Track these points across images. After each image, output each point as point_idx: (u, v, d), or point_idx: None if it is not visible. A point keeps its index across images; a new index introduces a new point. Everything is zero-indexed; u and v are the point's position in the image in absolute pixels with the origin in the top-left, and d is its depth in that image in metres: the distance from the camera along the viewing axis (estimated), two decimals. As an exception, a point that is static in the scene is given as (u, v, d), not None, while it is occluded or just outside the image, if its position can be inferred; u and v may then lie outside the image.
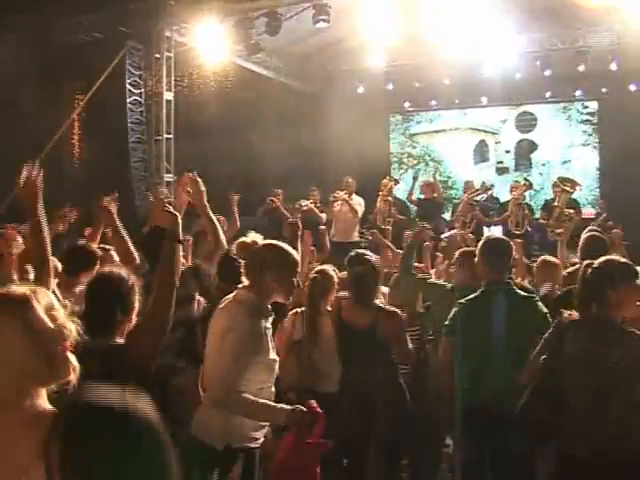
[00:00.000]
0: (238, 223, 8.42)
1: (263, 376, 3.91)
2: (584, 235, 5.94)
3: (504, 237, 5.41)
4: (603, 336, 3.81)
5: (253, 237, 4.41)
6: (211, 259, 5.07)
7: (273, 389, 4.00)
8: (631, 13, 11.12)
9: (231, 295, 4.10)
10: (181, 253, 3.55)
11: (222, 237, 5.16)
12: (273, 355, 4.00)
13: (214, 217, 5.20)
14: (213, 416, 3.87)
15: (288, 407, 3.82)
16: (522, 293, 4.77)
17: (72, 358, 1.99)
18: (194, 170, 5.42)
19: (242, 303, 3.95)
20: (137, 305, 3.46)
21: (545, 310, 4.63)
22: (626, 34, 12.45)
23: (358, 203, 12.45)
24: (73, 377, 1.98)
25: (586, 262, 4.04)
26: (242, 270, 4.07)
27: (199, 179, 5.32)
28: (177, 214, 3.57)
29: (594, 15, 11.85)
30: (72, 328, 2.01)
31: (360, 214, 12.44)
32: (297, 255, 4.18)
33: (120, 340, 3.34)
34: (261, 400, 3.79)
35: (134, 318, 3.44)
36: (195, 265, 5.05)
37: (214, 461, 3.91)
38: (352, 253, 5.43)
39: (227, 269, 4.90)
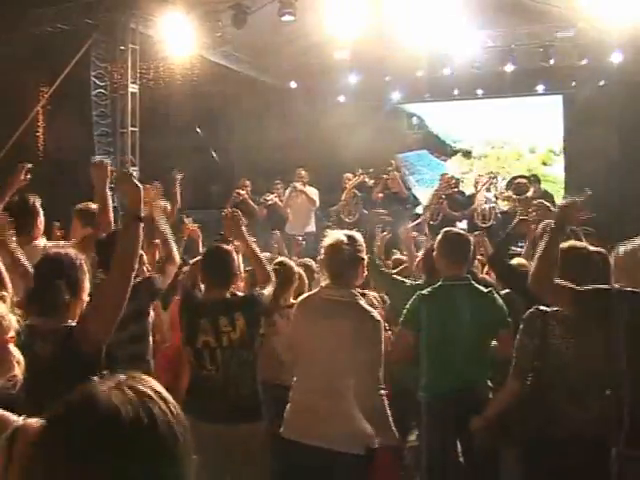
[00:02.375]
0: (179, 201, 8.54)
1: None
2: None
3: (462, 231, 5.41)
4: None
5: (339, 235, 4.29)
6: (163, 272, 4.96)
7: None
8: (592, 12, 11.26)
9: (323, 294, 4.09)
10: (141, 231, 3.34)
11: (175, 250, 5.08)
12: None
13: (169, 231, 5.13)
14: (347, 424, 3.85)
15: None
16: (481, 288, 4.77)
17: (15, 351, 1.96)
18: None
19: (356, 304, 4.00)
20: (87, 285, 3.44)
21: (503, 305, 4.66)
22: (589, 32, 12.59)
23: (314, 193, 12.60)
24: (18, 371, 1.95)
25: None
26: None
27: (158, 192, 5.29)
28: (141, 187, 3.32)
29: (558, 12, 11.98)
30: (12, 320, 1.97)
31: (317, 204, 12.59)
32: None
33: (72, 322, 3.33)
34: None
35: (85, 298, 3.42)
36: (149, 278, 4.91)
37: (356, 467, 3.84)
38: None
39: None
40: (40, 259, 3.64)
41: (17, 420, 1.89)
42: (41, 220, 5.52)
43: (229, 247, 4.87)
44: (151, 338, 4.97)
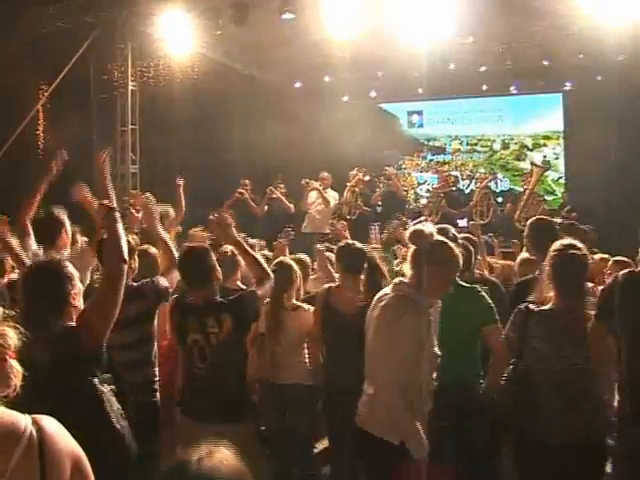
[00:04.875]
0: (183, 206, 8.52)
1: (424, 368, 3.89)
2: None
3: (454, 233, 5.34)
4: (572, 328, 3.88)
5: (431, 228, 4.24)
6: (168, 276, 4.95)
7: (435, 384, 3.99)
8: (591, 10, 11.27)
9: (389, 289, 4.09)
10: (121, 228, 3.52)
11: (175, 254, 5.05)
12: (436, 350, 3.94)
13: (166, 237, 5.13)
14: (387, 412, 3.84)
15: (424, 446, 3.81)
16: (464, 284, 4.72)
17: (15, 364, 2.01)
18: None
19: (403, 297, 3.93)
20: (77, 290, 3.45)
21: (489, 301, 4.65)
22: (589, 30, 12.59)
23: (332, 196, 12.59)
24: (16, 382, 2.01)
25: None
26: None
27: (152, 201, 5.27)
28: (111, 205, 3.58)
29: (557, 9, 11.98)
30: (11, 334, 2.01)
31: (332, 206, 12.55)
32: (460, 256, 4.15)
33: (71, 322, 3.35)
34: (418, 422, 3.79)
35: (78, 303, 3.43)
36: (153, 279, 4.88)
37: (387, 456, 3.84)
38: (342, 244, 5.52)
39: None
40: (25, 274, 3.64)
41: (26, 419, 1.96)
42: (67, 231, 5.54)
43: (203, 245, 4.89)
44: (156, 342, 4.96)
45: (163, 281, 4.81)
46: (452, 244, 4.13)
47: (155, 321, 4.91)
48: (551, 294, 4.02)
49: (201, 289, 4.55)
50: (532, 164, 13.22)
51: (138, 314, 4.62)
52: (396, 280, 4.11)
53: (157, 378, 4.89)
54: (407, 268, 4.05)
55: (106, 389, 3.32)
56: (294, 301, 5.53)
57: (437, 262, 3.92)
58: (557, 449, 3.80)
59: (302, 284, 5.80)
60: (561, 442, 3.80)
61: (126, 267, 3.45)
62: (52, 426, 1.99)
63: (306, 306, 5.53)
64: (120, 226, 3.49)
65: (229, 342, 4.43)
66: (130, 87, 12.71)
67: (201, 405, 4.40)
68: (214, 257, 4.72)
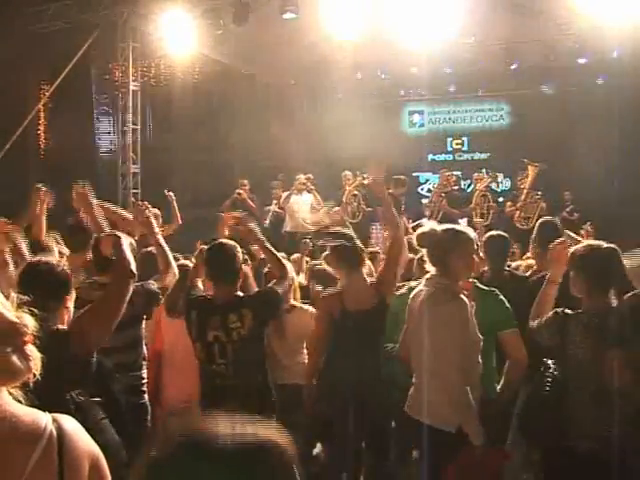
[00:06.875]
0: (179, 219, 8.47)
1: (474, 356, 3.95)
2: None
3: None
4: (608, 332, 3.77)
5: (430, 225, 4.34)
6: (163, 282, 4.88)
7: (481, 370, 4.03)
8: (591, 10, 11.27)
9: (422, 285, 4.13)
10: (127, 245, 3.54)
11: (172, 261, 5.00)
12: (478, 333, 3.99)
13: (164, 243, 5.08)
14: (443, 399, 3.87)
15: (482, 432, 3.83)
16: (484, 287, 4.66)
17: (33, 350, 1.96)
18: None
19: (439, 289, 3.99)
20: (72, 292, 3.47)
21: (507, 305, 4.61)
22: (589, 30, 12.59)
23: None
24: (35, 369, 1.96)
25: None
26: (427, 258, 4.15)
27: (148, 208, 5.28)
28: (118, 235, 3.59)
29: (557, 9, 11.99)
30: (28, 319, 1.97)
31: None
32: (472, 232, 4.24)
33: (62, 326, 3.33)
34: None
35: (70, 305, 3.44)
36: (144, 283, 4.78)
37: (442, 444, 3.84)
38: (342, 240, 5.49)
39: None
40: (24, 267, 3.66)
41: (46, 417, 1.90)
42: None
43: (232, 242, 4.80)
44: (144, 346, 4.96)
45: (153, 286, 4.78)
46: (458, 227, 4.26)
47: (142, 326, 4.91)
48: (581, 295, 3.98)
49: (227, 285, 4.58)
50: (527, 162, 13.13)
51: (126, 318, 4.58)
52: (427, 275, 4.14)
53: (145, 380, 4.90)
54: (429, 267, 4.12)
55: (86, 400, 3.27)
56: (292, 302, 5.52)
57: (454, 248, 4.02)
58: (585, 455, 3.75)
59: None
60: (590, 448, 3.74)
61: (133, 281, 3.45)
62: (71, 425, 1.92)
63: (305, 306, 5.51)
64: (126, 243, 3.52)
65: (249, 338, 4.45)
66: (131, 87, 12.71)
67: (224, 403, 4.34)
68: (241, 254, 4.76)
